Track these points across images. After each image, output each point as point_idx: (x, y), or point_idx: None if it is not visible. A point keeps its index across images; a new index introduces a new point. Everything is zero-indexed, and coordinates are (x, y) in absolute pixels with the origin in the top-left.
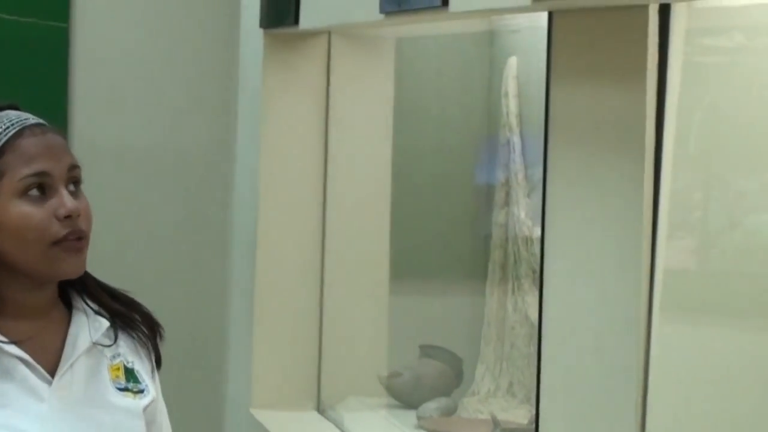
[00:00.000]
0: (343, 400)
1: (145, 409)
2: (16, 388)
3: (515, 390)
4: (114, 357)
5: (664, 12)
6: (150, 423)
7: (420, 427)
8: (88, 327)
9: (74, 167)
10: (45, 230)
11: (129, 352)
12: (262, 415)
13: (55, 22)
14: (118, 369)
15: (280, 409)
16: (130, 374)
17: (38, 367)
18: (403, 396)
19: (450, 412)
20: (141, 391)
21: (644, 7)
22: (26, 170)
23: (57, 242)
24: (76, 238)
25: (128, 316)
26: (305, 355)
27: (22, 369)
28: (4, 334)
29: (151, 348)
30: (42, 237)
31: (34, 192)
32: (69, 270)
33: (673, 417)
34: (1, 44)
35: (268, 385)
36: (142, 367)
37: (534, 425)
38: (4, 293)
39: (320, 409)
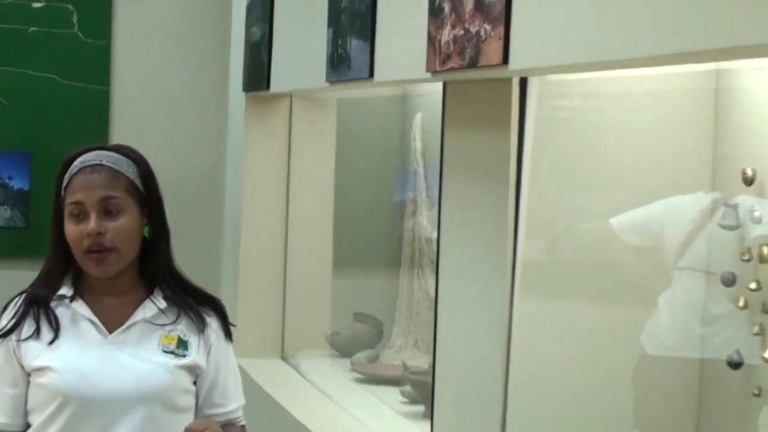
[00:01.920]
0: (300, 351)
1: (184, 368)
2: (80, 337)
3: (419, 345)
4: (171, 330)
5: (523, 83)
6: (212, 387)
7: (353, 370)
8: (152, 308)
9: (107, 198)
10: (79, 243)
11: (187, 329)
12: (242, 362)
13: (98, 86)
14: (173, 339)
15: (255, 358)
16: (181, 343)
17: (101, 325)
18: (342, 348)
19: (374, 360)
20: (183, 356)
21: (509, 80)
22: (69, 199)
23: (85, 252)
24: (95, 251)
25: (192, 306)
26: (273, 319)
27: (88, 325)
28: (89, 306)
29: (213, 328)
30: (78, 247)
31: (77, 214)
32: (94, 272)
33: (528, 365)
34: (59, 101)
35: (247, 340)
36: (195, 342)
37: (432, 369)
38: (88, 280)
39: (284, 358)
